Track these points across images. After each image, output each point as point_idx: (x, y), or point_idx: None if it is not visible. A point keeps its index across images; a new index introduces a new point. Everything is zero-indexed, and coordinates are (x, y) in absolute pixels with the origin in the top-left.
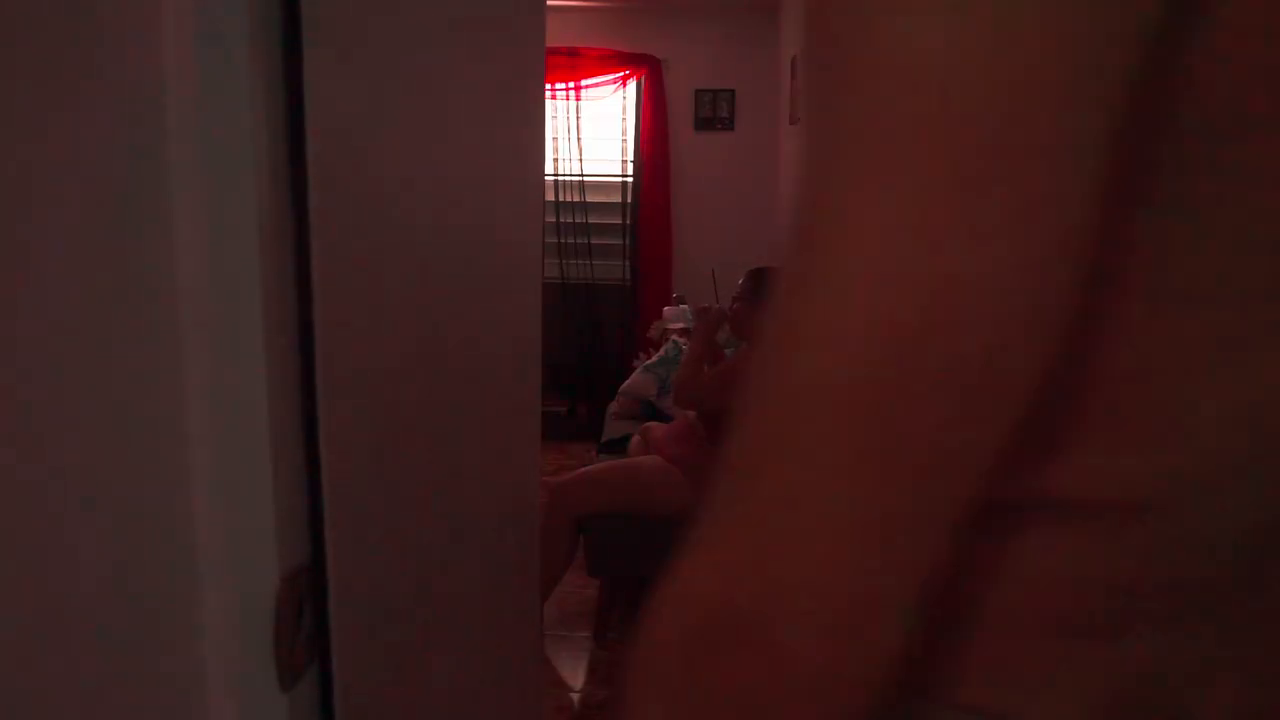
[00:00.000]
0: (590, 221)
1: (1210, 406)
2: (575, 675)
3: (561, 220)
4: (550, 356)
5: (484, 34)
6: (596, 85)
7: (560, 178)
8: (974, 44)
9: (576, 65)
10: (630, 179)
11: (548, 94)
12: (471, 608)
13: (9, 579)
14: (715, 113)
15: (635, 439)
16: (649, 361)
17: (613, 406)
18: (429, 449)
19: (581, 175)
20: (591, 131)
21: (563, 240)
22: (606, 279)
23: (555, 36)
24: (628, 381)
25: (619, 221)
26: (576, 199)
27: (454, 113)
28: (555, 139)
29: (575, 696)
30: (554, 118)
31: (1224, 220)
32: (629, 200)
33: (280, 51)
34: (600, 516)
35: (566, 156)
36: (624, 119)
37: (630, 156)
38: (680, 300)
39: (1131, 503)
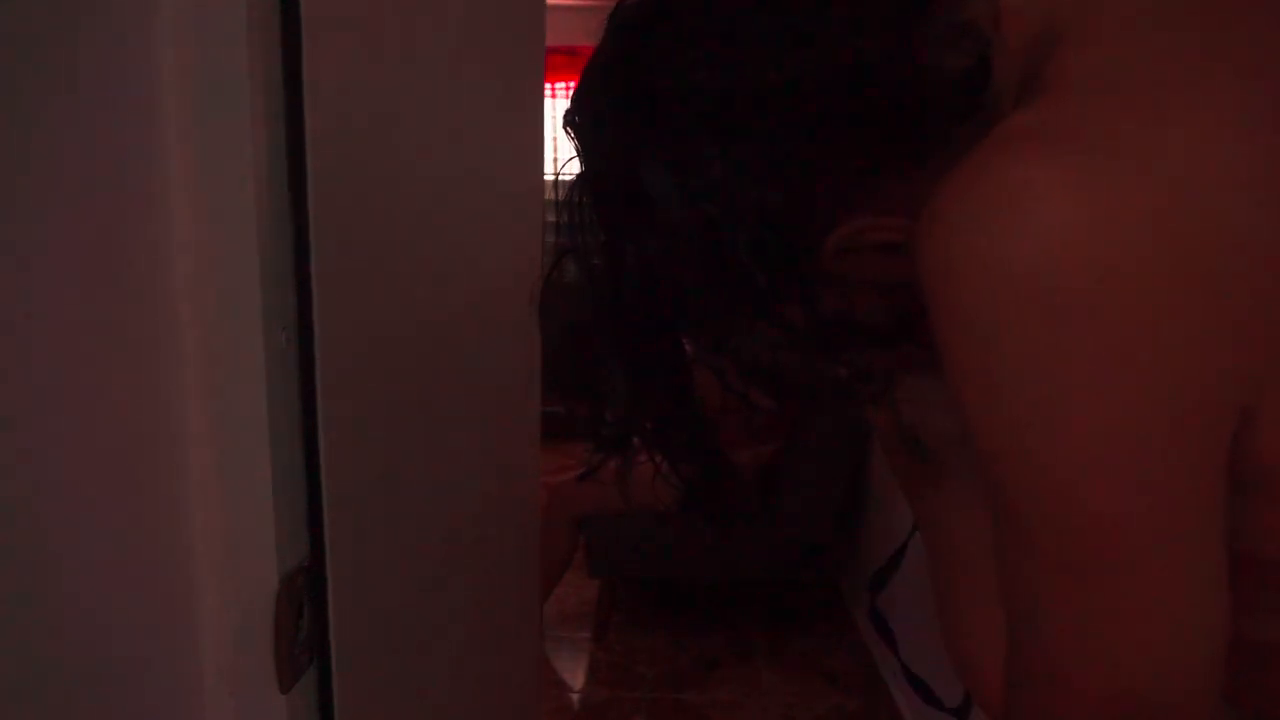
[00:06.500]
0: None
1: None
2: (575, 675)
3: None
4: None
5: (484, 34)
6: None
7: (560, 178)
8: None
9: (576, 65)
10: None
11: (548, 94)
12: (471, 608)
13: (8, 579)
14: None
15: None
16: None
17: None
18: (429, 449)
19: None
20: None
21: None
22: None
23: (555, 36)
24: None
25: None
26: None
27: (454, 112)
28: (555, 139)
29: (575, 696)
30: (554, 118)
31: None
32: None
33: (280, 51)
34: (600, 516)
35: (567, 156)
36: None
37: None
38: None
39: None
